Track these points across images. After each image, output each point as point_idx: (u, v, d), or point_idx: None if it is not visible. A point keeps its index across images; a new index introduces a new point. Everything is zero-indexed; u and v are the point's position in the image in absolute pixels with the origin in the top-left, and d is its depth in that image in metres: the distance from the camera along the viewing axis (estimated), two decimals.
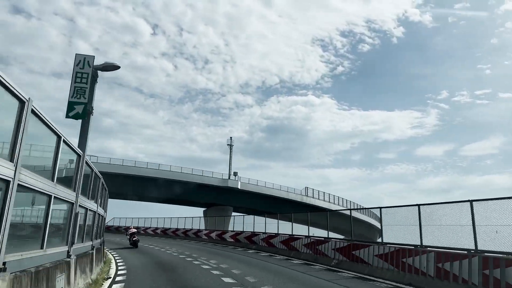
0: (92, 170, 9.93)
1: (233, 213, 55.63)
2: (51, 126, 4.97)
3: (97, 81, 9.40)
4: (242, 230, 26.42)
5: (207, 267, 14.33)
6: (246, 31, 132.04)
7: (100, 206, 14.83)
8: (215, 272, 12.76)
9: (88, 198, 10.01)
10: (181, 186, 56.14)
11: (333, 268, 13.95)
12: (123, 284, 10.66)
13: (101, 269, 13.31)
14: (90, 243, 11.61)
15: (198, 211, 64.02)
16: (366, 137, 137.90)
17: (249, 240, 24.42)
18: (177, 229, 38.53)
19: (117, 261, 17.87)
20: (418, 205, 11.19)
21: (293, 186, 64.29)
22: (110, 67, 9.30)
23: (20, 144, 3.82)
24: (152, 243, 29.69)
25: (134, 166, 55.61)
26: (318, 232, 18.27)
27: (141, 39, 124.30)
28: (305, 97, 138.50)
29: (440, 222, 10.36)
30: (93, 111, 9.12)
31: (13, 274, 3.88)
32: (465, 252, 8.96)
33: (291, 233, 19.61)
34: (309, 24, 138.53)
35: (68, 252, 7.79)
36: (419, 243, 10.77)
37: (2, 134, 3.90)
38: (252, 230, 24.76)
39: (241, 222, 27.81)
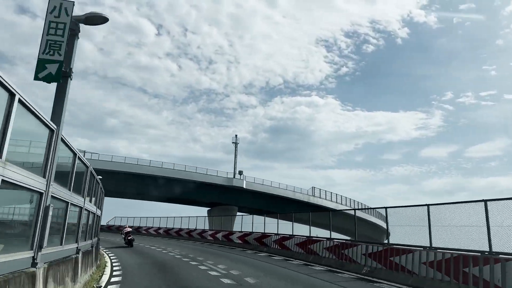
0: (75, 154, 7.79)
1: (238, 213, 53.48)
2: None
3: (79, 37, 7.14)
4: (251, 230, 24.13)
5: (215, 273, 12.10)
6: (250, 31, 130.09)
7: (93, 204, 12.99)
8: (226, 280, 10.53)
9: (70, 190, 7.82)
10: (185, 184, 53.96)
11: (366, 277, 11.62)
12: None
13: (91, 276, 11.07)
14: (75, 245, 9.38)
15: (202, 211, 61.84)
16: (370, 138, 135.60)
17: (259, 242, 22.13)
18: (180, 229, 36.28)
19: (114, 264, 15.72)
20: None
21: (297, 187, 61.93)
22: (95, 18, 7.07)
23: None
24: (153, 243, 27.47)
25: (136, 164, 53.43)
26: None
27: (146, 39, 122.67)
28: (309, 98, 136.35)
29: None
30: (72, 75, 6.87)
31: None
32: None
33: (308, 235, 17.30)
34: (313, 24, 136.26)
35: (34, 258, 5.59)
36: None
37: None
38: (263, 231, 22.46)
39: (249, 222, 25.57)
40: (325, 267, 14.11)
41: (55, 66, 6.47)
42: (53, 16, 6.66)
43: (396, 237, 12.13)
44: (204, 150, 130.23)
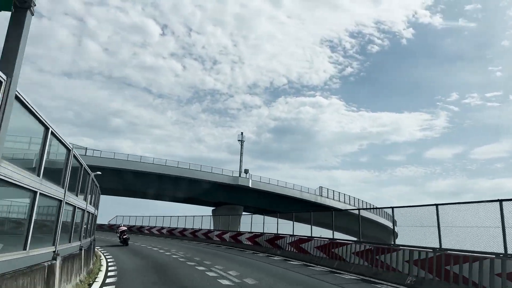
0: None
1: (243, 213, 51.20)
2: None
3: None
4: (262, 231, 21.86)
5: (227, 282, 9.87)
6: (255, 31, 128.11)
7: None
8: None
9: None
10: (189, 183, 51.80)
11: None
12: None
13: (76, 286, 8.86)
14: (51, 249, 7.16)
15: (206, 211, 59.63)
16: (375, 139, 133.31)
17: (272, 244, 19.85)
18: (184, 229, 34.05)
19: (109, 267, 13.56)
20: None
21: (304, 187, 59.57)
22: None
23: None
24: (156, 244, 25.27)
25: (139, 161, 51.29)
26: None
27: (150, 40, 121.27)
28: (313, 98, 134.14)
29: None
30: (34, 8, 4.67)
31: None
32: None
33: (331, 237, 15.01)
34: (318, 24, 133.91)
35: None
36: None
37: None
38: (275, 232, 20.18)
39: (259, 222, 23.37)
40: (356, 276, 11.81)
41: None
42: None
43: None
44: (208, 150, 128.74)
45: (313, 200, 57.76)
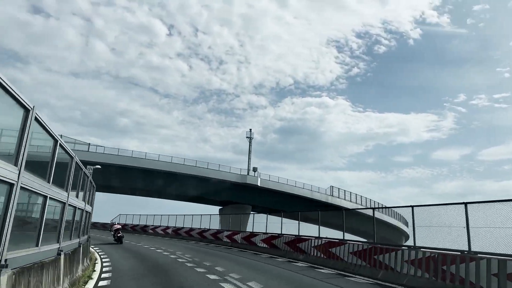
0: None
1: (251, 212, 48.45)
2: None
3: None
4: (280, 232, 19.06)
5: None
6: (261, 32, 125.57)
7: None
8: None
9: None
10: (195, 181, 49.18)
11: None
12: None
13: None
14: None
15: (212, 210, 56.98)
16: (381, 139, 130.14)
17: (293, 247, 17.05)
18: (191, 229, 31.31)
19: (103, 272, 10.96)
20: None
21: (314, 186, 56.70)
22: None
23: None
24: (160, 245, 22.56)
25: (144, 158, 48.72)
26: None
27: (157, 40, 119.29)
28: (319, 99, 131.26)
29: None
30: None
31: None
32: None
33: (373, 241, 12.17)
34: (324, 25, 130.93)
35: None
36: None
37: None
38: (297, 233, 17.38)
39: (274, 222, 20.68)
40: None
41: None
42: None
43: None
44: (214, 151, 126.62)
45: (324, 200, 54.91)
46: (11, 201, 3.96)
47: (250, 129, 58.62)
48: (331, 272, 12.46)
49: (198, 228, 30.03)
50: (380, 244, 11.76)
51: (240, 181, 51.36)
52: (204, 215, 29.97)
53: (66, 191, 7.56)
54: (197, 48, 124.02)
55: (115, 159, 46.74)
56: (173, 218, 35.36)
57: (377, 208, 54.39)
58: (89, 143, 47.31)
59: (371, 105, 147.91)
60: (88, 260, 13.31)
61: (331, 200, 55.39)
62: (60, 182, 6.83)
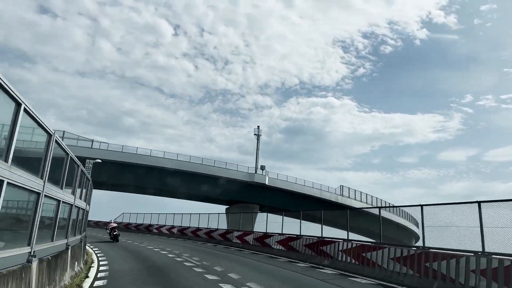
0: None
1: (259, 211, 46.30)
2: None
3: None
4: (299, 233, 16.89)
5: None
6: (267, 32, 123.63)
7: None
8: None
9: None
10: (201, 179, 47.14)
11: None
12: None
13: None
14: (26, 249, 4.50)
15: (218, 209, 54.92)
16: (387, 140, 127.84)
17: (316, 251, 14.86)
18: (198, 229, 29.20)
19: (97, 279, 8.96)
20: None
21: (324, 185, 54.46)
22: None
23: None
24: (165, 246, 20.45)
25: (149, 155, 46.74)
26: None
27: (163, 40, 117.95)
28: (325, 99, 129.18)
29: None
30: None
31: None
32: None
33: (422, 245, 9.97)
34: (330, 25, 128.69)
35: None
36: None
37: None
38: (320, 235, 15.21)
39: (290, 222, 18.58)
40: None
41: None
42: None
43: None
44: (219, 151, 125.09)
45: (334, 200, 52.69)
46: None
47: (258, 126, 56.51)
48: (369, 282, 10.28)
49: (206, 228, 27.92)
50: (432, 248, 9.57)
51: (247, 179, 49.26)
52: (212, 213, 27.90)
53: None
54: (202, 48, 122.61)
55: (119, 156, 44.86)
56: (179, 217, 33.29)
57: (383, 207, 52.22)
58: (93, 139, 45.43)
59: (377, 106, 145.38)
60: (82, 264, 11.28)
61: (340, 200, 53.15)
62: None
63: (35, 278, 5.44)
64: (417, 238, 59.51)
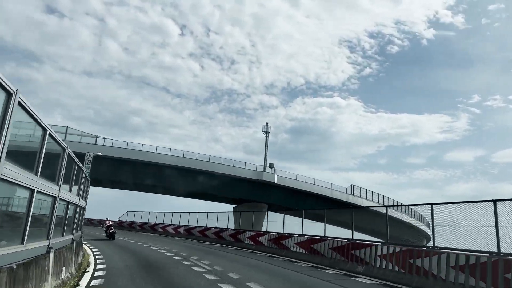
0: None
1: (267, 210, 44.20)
2: None
3: None
4: (323, 234, 14.80)
5: None
6: (273, 31, 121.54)
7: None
8: None
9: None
10: (208, 177, 45.10)
11: None
12: None
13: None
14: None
15: (224, 208, 52.95)
16: (394, 140, 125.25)
17: (346, 255, 12.77)
18: (206, 228, 27.18)
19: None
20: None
21: (334, 184, 52.25)
22: None
23: None
24: (171, 247, 18.45)
25: (155, 152, 44.86)
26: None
27: (169, 40, 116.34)
28: (331, 99, 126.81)
29: None
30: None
31: None
32: None
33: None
34: (336, 25, 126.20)
35: None
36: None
37: None
38: (351, 237, 13.09)
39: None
40: None
41: None
42: None
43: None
44: (225, 150, 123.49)
45: (345, 199, 50.51)
46: None
47: (267, 123, 54.48)
48: None
49: (214, 228, 25.90)
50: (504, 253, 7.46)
51: (255, 177, 47.23)
52: (221, 212, 25.86)
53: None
54: (209, 48, 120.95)
55: (124, 152, 43.02)
56: (185, 216, 31.31)
57: (390, 206, 49.77)
58: (97, 136, 43.60)
59: (383, 106, 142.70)
60: (73, 269, 9.26)
61: (351, 199, 50.95)
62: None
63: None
64: (428, 238, 57.34)
